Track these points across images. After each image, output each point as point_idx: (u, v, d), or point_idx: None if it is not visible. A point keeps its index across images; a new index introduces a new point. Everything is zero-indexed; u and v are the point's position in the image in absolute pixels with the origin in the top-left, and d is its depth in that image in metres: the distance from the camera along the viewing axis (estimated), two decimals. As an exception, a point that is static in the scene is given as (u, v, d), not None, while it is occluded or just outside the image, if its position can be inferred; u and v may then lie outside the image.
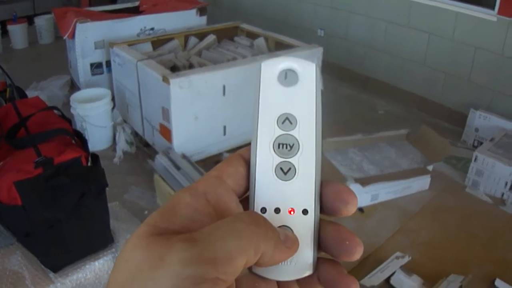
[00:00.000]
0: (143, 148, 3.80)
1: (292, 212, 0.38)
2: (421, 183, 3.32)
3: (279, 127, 0.39)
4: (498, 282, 2.49)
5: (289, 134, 0.39)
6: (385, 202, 3.18)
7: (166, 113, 3.23)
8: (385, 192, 3.17)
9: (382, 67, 5.03)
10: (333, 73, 4.91)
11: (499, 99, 4.10)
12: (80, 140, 1.71)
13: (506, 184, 3.27)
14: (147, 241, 0.33)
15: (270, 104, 0.39)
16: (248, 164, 0.40)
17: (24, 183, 1.44)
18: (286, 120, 0.39)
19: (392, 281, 2.49)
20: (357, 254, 0.37)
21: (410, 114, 4.55)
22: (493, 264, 2.70)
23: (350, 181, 3.05)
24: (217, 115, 3.41)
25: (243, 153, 0.40)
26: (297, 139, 0.39)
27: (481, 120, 3.98)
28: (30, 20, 6.51)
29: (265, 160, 0.39)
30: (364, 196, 3.08)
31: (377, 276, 2.50)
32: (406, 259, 2.63)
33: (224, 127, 3.45)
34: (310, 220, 0.38)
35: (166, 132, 3.31)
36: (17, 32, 6.30)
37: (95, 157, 1.67)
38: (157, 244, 0.32)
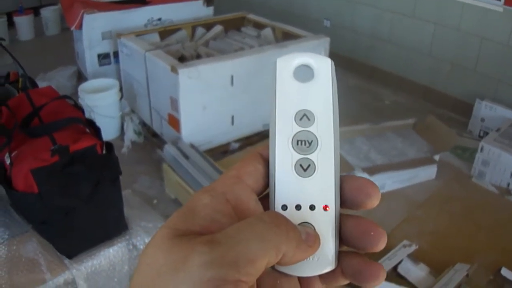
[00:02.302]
0: (151, 138, 3.81)
1: (313, 208, 0.38)
2: (427, 173, 3.33)
3: (297, 123, 0.39)
4: (504, 270, 2.50)
5: (308, 131, 0.39)
6: (392, 191, 3.20)
7: (174, 103, 3.25)
8: (392, 181, 3.19)
9: (388, 57, 5.03)
10: (339, 63, 4.77)
11: (505, 89, 4.10)
12: (94, 128, 1.73)
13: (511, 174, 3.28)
14: (168, 243, 0.33)
15: (287, 100, 0.40)
16: (266, 162, 0.40)
17: (40, 170, 1.46)
18: (304, 117, 0.39)
19: (399, 269, 2.51)
20: (382, 244, 0.37)
21: (416, 104, 4.56)
22: (499, 253, 2.71)
23: (357, 170, 3.07)
24: (225, 105, 3.43)
25: (261, 151, 0.41)
26: (315, 135, 0.39)
27: (487, 110, 3.99)
28: (36, 11, 6.50)
29: (284, 157, 0.39)
30: (371, 185, 3.09)
31: (384, 264, 2.51)
32: (413, 247, 2.65)
33: (232, 117, 3.47)
34: (331, 216, 0.38)
35: (174, 122, 3.33)
36: (24, 24, 6.30)
37: (109, 145, 1.69)
38: (179, 247, 0.32)
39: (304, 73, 0.40)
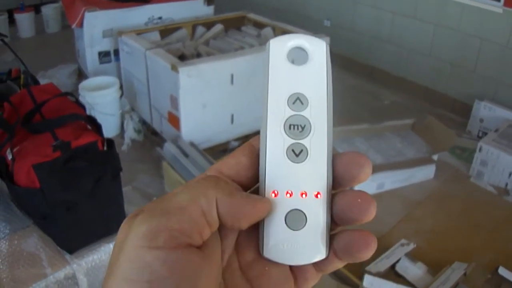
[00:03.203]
0: (150, 136, 3.83)
1: (304, 195, 0.37)
2: (426, 173, 3.35)
3: (290, 107, 0.38)
4: (501, 270, 2.51)
5: (301, 115, 0.38)
6: (391, 190, 3.21)
7: (174, 101, 3.26)
8: (390, 181, 3.20)
9: (388, 57, 5.04)
10: (339, 63, 4.89)
11: (504, 90, 4.12)
12: (95, 125, 1.75)
13: (510, 174, 3.28)
14: (124, 222, 0.35)
15: (280, 83, 0.38)
16: (255, 153, 0.39)
17: (42, 166, 1.47)
18: (297, 100, 0.38)
19: (397, 268, 2.52)
20: (372, 210, 0.37)
21: (415, 105, 4.57)
22: (497, 252, 2.72)
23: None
24: (225, 103, 3.44)
25: (253, 141, 0.40)
26: (308, 120, 0.38)
27: (486, 111, 4.00)
28: (37, 8, 6.51)
29: (276, 142, 0.38)
30: (370, 184, 3.10)
31: (382, 263, 2.53)
32: (411, 246, 2.66)
33: (232, 116, 3.48)
34: (323, 203, 0.37)
35: (174, 120, 3.34)
36: (24, 21, 6.31)
37: (110, 141, 1.71)
38: (128, 221, 0.34)
39: (298, 56, 0.39)
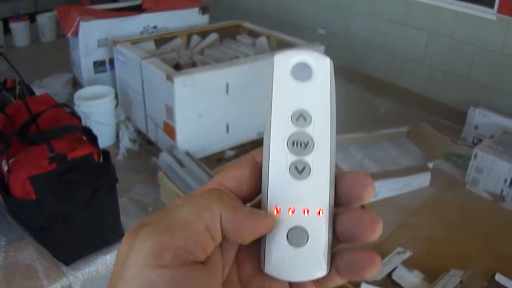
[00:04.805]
0: (146, 146, 3.82)
1: (306, 212, 0.37)
2: (421, 180, 3.35)
3: (293, 124, 0.38)
4: (498, 276, 2.52)
5: (304, 132, 0.38)
6: (387, 199, 3.21)
7: (170, 111, 3.26)
8: (386, 189, 3.20)
9: (382, 65, 5.06)
10: (334, 72, 4.87)
11: (498, 96, 4.14)
12: (90, 136, 1.75)
13: (505, 180, 3.30)
14: (126, 236, 0.35)
15: (283, 99, 0.38)
16: (258, 167, 0.39)
17: (38, 178, 1.47)
18: (301, 117, 0.38)
19: (394, 276, 2.53)
20: (378, 229, 0.36)
21: (410, 112, 4.58)
22: (493, 259, 2.72)
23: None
24: (220, 113, 3.45)
25: (256, 154, 0.40)
26: (312, 137, 0.38)
27: (480, 118, 4.01)
28: (32, 17, 6.51)
29: (279, 158, 0.38)
30: (365, 193, 3.11)
31: (379, 271, 2.53)
32: (407, 254, 2.67)
33: (227, 125, 3.48)
34: (324, 220, 0.37)
35: (169, 130, 3.34)
36: (20, 30, 6.31)
37: (106, 153, 1.71)
38: (130, 236, 0.34)
39: (302, 72, 0.39)
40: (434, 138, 3.69)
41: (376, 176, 3.20)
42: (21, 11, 6.40)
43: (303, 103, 0.38)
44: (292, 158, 0.38)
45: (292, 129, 0.38)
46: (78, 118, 1.88)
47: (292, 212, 0.37)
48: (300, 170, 0.38)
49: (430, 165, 3.41)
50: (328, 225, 0.37)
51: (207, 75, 3.29)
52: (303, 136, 0.38)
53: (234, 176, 0.39)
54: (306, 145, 0.38)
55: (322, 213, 0.37)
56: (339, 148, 3.56)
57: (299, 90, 0.39)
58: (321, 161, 0.38)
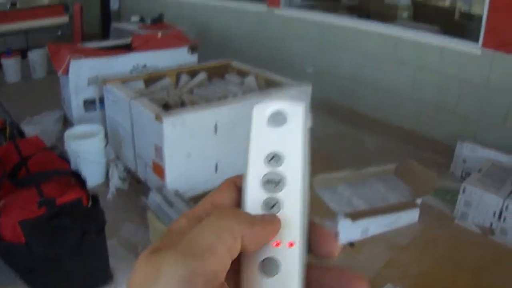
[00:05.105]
0: (135, 185, 3.83)
1: (278, 245, 0.39)
2: (410, 216, 3.36)
3: (266, 165, 0.41)
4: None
5: (276, 171, 0.41)
6: (375, 235, 3.22)
7: (159, 150, 3.28)
8: (375, 226, 3.21)
9: (370, 102, 5.11)
10: (322, 109, 4.94)
11: (485, 130, 4.18)
12: (79, 180, 1.77)
13: (494, 213, 3.30)
14: (145, 260, 0.35)
15: (259, 143, 0.42)
16: (240, 190, 0.42)
17: (28, 222, 1.50)
18: (274, 158, 0.41)
19: (383, 314, 2.53)
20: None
21: (398, 148, 4.60)
22: (483, 293, 2.74)
23: (340, 216, 3.10)
24: (209, 152, 3.46)
25: (235, 179, 0.43)
26: (283, 176, 0.41)
27: (468, 152, 4.03)
28: (23, 53, 6.56)
29: (254, 195, 0.40)
30: (354, 230, 3.11)
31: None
32: (397, 291, 2.67)
33: (216, 164, 3.49)
34: (296, 253, 0.39)
35: (159, 170, 3.35)
36: (11, 66, 6.37)
37: (95, 197, 1.73)
38: (151, 260, 0.35)
39: (277, 119, 0.42)
40: (422, 174, 3.71)
41: (365, 214, 3.21)
42: (12, 47, 6.44)
43: (276, 146, 0.42)
44: (265, 195, 0.40)
45: (265, 169, 0.41)
46: (67, 161, 1.91)
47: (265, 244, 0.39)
48: (271, 206, 0.40)
49: (419, 201, 3.43)
50: (300, 255, 0.39)
51: (196, 115, 3.32)
52: (275, 175, 0.41)
53: (225, 198, 0.41)
54: (277, 184, 0.40)
55: (293, 245, 0.39)
56: (328, 187, 3.57)
57: (273, 134, 0.42)
58: (292, 197, 0.40)
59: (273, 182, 0.40)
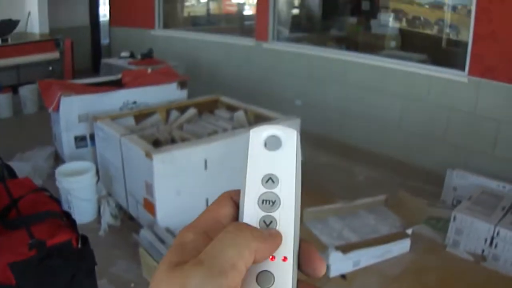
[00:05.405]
0: (127, 221, 3.82)
1: (273, 259, 0.43)
2: (401, 246, 3.37)
3: (263, 185, 0.44)
4: None
5: (272, 192, 0.44)
6: (367, 267, 3.22)
7: (149, 187, 3.29)
8: (366, 257, 3.21)
9: (359, 133, 5.14)
10: (311, 142, 4.92)
11: (474, 157, 4.21)
12: (69, 220, 1.78)
13: (485, 240, 3.31)
14: (167, 275, 0.39)
15: (256, 166, 0.45)
16: (237, 205, 0.45)
17: (18, 264, 1.50)
18: (270, 180, 0.44)
19: None
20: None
21: (389, 178, 4.61)
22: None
23: (331, 249, 3.10)
24: (199, 188, 3.45)
25: (232, 194, 0.46)
26: (278, 196, 0.44)
27: (458, 179, 4.06)
28: (14, 89, 6.58)
29: (251, 214, 0.44)
30: (345, 263, 3.12)
31: None
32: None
33: (207, 200, 3.49)
34: (289, 266, 0.43)
35: (150, 206, 3.35)
36: (2, 101, 6.38)
37: (84, 238, 1.74)
38: (176, 277, 0.38)
39: (273, 143, 0.46)
40: (412, 204, 3.73)
41: (356, 246, 3.22)
42: (3, 83, 6.46)
43: (272, 168, 0.45)
44: (261, 213, 0.44)
45: (262, 190, 0.44)
46: (58, 201, 1.92)
47: None
48: (267, 224, 0.44)
49: (409, 231, 3.44)
50: (292, 269, 0.43)
51: (186, 152, 3.34)
52: (271, 195, 0.44)
53: (226, 213, 0.45)
54: (273, 203, 0.44)
55: (287, 259, 0.43)
56: (319, 220, 3.58)
57: (269, 157, 0.45)
58: (286, 216, 0.44)
59: (269, 202, 0.44)
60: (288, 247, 0.43)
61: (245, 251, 0.40)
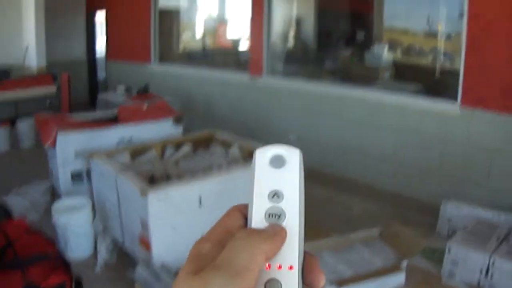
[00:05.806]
0: (123, 257, 3.81)
1: (280, 268, 0.46)
2: (396, 280, 3.36)
3: (269, 200, 0.48)
4: None
5: (278, 206, 0.48)
6: (362, 301, 3.22)
7: (144, 224, 3.30)
8: (361, 292, 3.22)
9: (354, 166, 5.17)
10: (306, 176, 4.87)
11: (469, 187, 4.23)
12: (64, 263, 1.80)
13: (481, 271, 3.30)
14: (189, 281, 0.43)
15: (262, 182, 0.49)
16: (246, 218, 0.49)
17: None
18: (275, 195, 0.48)
19: None
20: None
21: (384, 210, 4.63)
22: None
23: (326, 284, 3.10)
24: (194, 225, 3.44)
25: (240, 208, 0.50)
26: (284, 210, 0.48)
27: (453, 210, 4.07)
28: (12, 122, 6.63)
29: (258, 226, 0.47)
30: (341, 298, 3.12)
31: None
32: None
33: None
34: (295, 274, 0.46)
35: (145, 243, 3.36)
36: (0, 135, 6.43)
37: (78, 281, 1.75)
38: (196, 281, 0.42)
39: (277, 161, 0.49)
40: (407, 237, 3.74)
41: (351, 280, 3.22)
42: (1, 116, 6.50)
43: (277, 185, 0.49)
44: None
45: (268, 204, 0.48)
46: (53, 243, 1.94)
47: (268, 267, 0.46)
48: None
49: (404, 263, 3.43)
50: (298, 277, 0.46)
51: (181, 189, 3.38)
52: (277, 209, 0.48)
53: (238, 225, 0.48)
54: (279, 216, 0.48)
55: (293, 268, 0.46)
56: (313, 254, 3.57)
57: (274, 175, 0.49)
58: (291, 228, 0.47)
59: (275, 215, 0.48)
60: (293, 256, 0.46)
61: (257, 255, 0.44)
